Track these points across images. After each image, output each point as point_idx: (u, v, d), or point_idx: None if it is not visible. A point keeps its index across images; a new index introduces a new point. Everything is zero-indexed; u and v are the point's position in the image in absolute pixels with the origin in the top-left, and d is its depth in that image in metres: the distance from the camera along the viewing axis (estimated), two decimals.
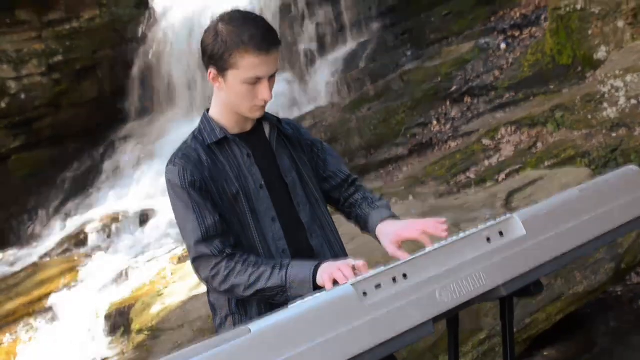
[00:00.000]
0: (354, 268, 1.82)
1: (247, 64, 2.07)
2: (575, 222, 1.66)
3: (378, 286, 1.37)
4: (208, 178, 2.13)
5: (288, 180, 2.23)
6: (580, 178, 4.47)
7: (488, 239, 1.53)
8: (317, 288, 1.92)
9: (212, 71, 2.14)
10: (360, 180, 2.48)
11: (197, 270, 2.14)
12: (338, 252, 2.28)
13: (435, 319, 1.41)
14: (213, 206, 2.10)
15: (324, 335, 1.29)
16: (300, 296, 1.95)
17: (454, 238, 1.50)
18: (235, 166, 2.18)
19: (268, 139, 2.27)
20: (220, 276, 2.07)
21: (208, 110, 2.35)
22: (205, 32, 2.16)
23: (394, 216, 2.22)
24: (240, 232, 2.13)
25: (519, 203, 4.44)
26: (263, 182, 2.17)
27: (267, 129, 2.30)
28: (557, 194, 1.75)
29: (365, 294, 1.35)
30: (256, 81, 2.11)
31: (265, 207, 2.16)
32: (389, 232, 2.11)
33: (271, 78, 2.15)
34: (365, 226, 2.26)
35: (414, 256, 1.44)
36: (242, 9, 2.29)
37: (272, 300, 2.06)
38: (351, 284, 1.35)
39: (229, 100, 2.20)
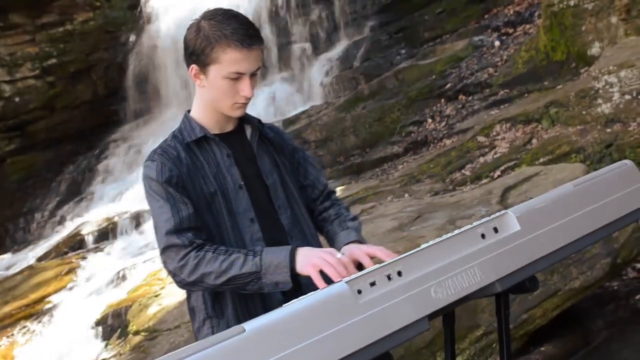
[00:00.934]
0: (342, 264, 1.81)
1: (229, 59, 2.06)
2: (570, 217, 1.65)
3: (373, 284, 1.36)
4: (186, 175, 2.11)
5: (269, 182, 2.20)
6: (575, 174, 4.47)
7: (482, 235, 1.52)
8: (295, 274, 1.89)
9: (194, 67, 2.13)
10: (335, 195, 2.45)
11: (165, 262, 2.07)
12: None
13: (431, 316, 1.40)
14: (189, 200, 2.07)
15: (318, 334, 1.29)
16: (276, 283, 1.91)
17: (449, 235, 1.50)
18: (214, 165, 2.16)
19: (249, 140, 2.26)
20: (189, 266, 2.01)
21: (189, 110, 2.34)
22: (188, 29, 2.15)
23: (359, 240, 2.16)
24: (216, 233, 2.09)
25: (514, 199, 4.44)
26: (242, 183, 2.14)
27: (248, 130, 2.28)
28: (551, 190, 1.75)
29: (359, 291, 1.34)
30: (238, 77, 2.10)
31: (244, 207, 2.12)
32: (347, 251, 2.09)
33: (253, 76, 2.13)
34: (332, 245, 2.24)
35: (408, 253, 1.44)
36: (229, 7, 2.29)
37: (244, 289, 2.01)
38: (345, 282, 1.35)
39: (210, 98, 2.19)
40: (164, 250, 2.06)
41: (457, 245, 1.48)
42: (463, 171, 6.36)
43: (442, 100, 8.08)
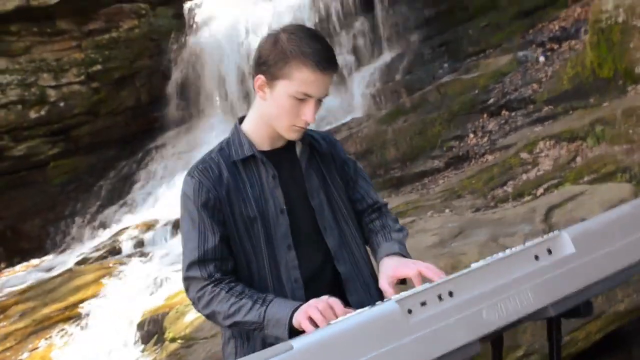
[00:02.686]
0: (331, 306, 1.73)
1: (301, 77, 1.99)
2: (628, 240, 1.60)
3: (423, 304, 1.33)
4: (225, 198, 2.06)
5: (314, 204, 2.13)
6: (621, 194, 4.38)
7: (536, 257, 1.48)
8: (293, 330, 1.82)
9: (261, 78, 2.05)
10: (386, 207, 2.38)
11: (186, 289, 2.08)
12: (367, 278, 2.19)
13: (482, 339, 1.37)
14: (220, 227, 2.03)
15: (366, 354, 1.26)
16: (276, 337, 1.84)
17: (501, 255, 1.46)
18: (258, 187, 2.10)
19: (298, 158, 2.21)
20: (204, 300, 2.01)
21: (241, 120, 2.27)
22: (264, 38, 2.08)
23: (401, 253, 2.09)
24: (252, 258, 2.05)
25: (559, 218, 4.36)
26: (284, 207, 2.08)
27: (298, 147, 2.21)
28: (607, 210, 1.70)
29: (410, 311, 1.31)
30: (304, 99, 2.03)
31: (283, 233, 2.06)
32: (387, 267, 2.02)
33: (318, 102, 2.07)
34: (375, 256, 2.19)
35: (460, 273, 1.40)
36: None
37: (253, 333, 1.99)
38: (395, 301, 1.31)
39: (268, 113, 2.11)
40: (185, 279, 2.07)
41: (509, 267, 1.44)
42: (505, 188, 6.27)
43: (485, 115, 7.99)
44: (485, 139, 7.52)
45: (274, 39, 2.04)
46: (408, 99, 9.03)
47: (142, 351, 5.99)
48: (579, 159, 6.18)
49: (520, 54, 8.71)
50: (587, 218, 1.73)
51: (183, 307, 5.96)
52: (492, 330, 1.37)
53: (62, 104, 10.51)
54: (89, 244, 9.83)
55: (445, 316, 1.34)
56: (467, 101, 8.22)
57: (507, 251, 1.47)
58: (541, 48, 8.67)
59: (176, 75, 11.34)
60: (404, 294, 1.37)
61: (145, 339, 6.13)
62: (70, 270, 9.40)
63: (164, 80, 11.35)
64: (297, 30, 2.05)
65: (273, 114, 2.11)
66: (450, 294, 1.36)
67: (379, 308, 1.33)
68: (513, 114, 7.65)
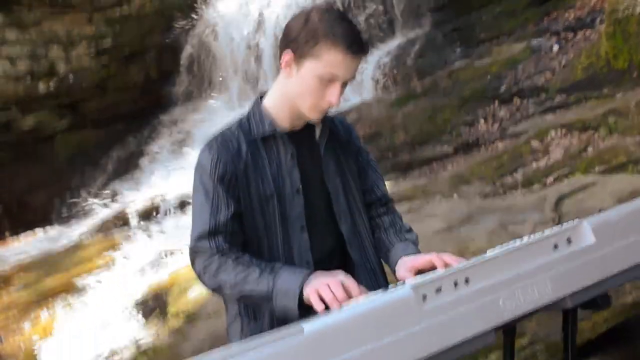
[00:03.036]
0: (344, 286, 1.71)
1: (330, 59, 1.97)
2: None
3: (438, 290, 1.30)
4: (242, 173, 2.04)
5: (330, 187, 2.13)
6: (634, 185, 4.34)
7: (555, 246, 1.45)
8: (302, 302, 1.79)
9: (289, 55, 2.03)
10: (393, 203, 2.35)
11: (192, 262, 2.06)
12: (375, 265, 2.18)
13: (497, 328, 1.34)
14: (234, 202, 2.00)
15: (379, 339, 1.23)
16: (284, 308, 1.81)
17: (520, 243, 1.42)
18: (276, 165, 2.08)
19: (317, 141, 2.19)
20: (210, 270, 1.97)
21: (262, 97, 2.25)
22: (295, 16, 2.06)
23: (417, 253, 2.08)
24: (263, 237, 2.04)
25: (569, 208, 4.33)
26: (300, 187, 2.07)
27: (318, 129, 2.20)
28: (629, 201, 1.66)
29: (424, 297, 1.28)
30: (330, 79, 2.01)
31: (297, 213, 2.05)
32: (405, 259, 1.99)
33: (344, 84, 2.05)
34: (386, 255, 2.15)
35: (477, 260, 1.37)
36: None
37: (260, 308, 1.97)
38: (410, 287, 1.28)
39: (293, 91, 2.09)
40: (193, 251, 2.04)
41: (528, 255, 1.41)
42: (515, 175, 6.23)
43: (496, 102, 7.93)
44: (496, 126, 7.47)
45: (305, 17, 2.02)
46: (419, 83, 8.97)
47: (144, 325, 5.99)
48: (590, 149, 6.14)
49: (534, 42, 8.62)
50: (603, 209, 1.70)
51: (187, 283, 5.95)
52: (509, 320, 1.34)
53: (71, 78, 10.48)
54: (95, 217, 9.82)
55: (461, 303, 1.31)
56: (479, 87, 8.16)
57: (526, 239, 1.44)
58: (555, 37, 8.58)
59: (187, 52, 11.28)
60: (418, 278, 1.34)
61: (147, 313, 6.13)
62: (75, 242, 9.42)
63: (174, 57, 11.30)
64: (329, 11, 2.04)
65: (297, 92, 2.09)
66: (467, 280, 1.33)
67: (393, 293, 1.30)
68: (525, 101, 7.59)
